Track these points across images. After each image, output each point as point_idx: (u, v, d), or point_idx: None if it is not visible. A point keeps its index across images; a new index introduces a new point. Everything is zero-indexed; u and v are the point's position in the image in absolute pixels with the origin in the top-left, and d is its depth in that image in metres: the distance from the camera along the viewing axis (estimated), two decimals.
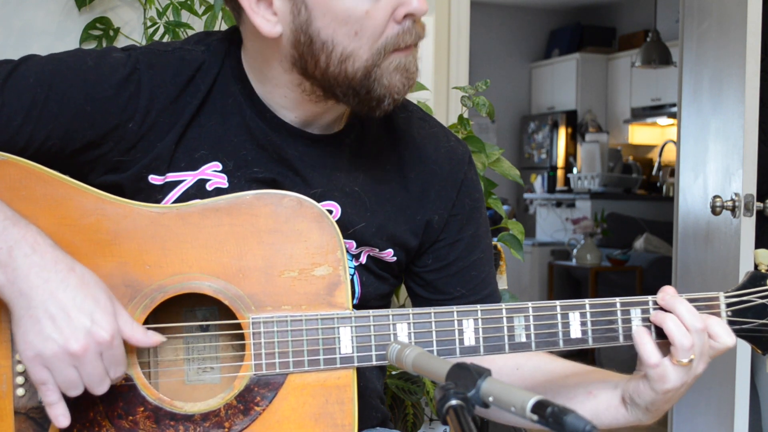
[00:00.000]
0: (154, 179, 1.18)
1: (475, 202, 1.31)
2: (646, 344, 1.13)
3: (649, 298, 1.17)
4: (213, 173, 1.19)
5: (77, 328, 1.00)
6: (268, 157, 1.20)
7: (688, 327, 1.12)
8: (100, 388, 1.04)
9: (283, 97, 1.19)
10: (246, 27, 1.18)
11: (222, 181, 1.19)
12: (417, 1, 1.09)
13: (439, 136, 1.31)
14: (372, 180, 1.25)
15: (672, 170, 6.60)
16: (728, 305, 1.19)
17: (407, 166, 1.27)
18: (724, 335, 1.13)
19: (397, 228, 1.26)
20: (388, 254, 1.27)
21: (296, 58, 1.13)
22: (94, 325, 1.01)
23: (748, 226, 2.60)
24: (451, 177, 1.29)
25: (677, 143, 3.24)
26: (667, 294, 1.15)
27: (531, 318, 1.15)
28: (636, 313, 1.17)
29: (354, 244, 1.24)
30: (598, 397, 1.22)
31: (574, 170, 8.29)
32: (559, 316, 1.16)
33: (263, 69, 1.19)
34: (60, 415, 1.04)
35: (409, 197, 1.27)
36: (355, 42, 1.10)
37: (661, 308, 1.15)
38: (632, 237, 6.55)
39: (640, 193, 7.71)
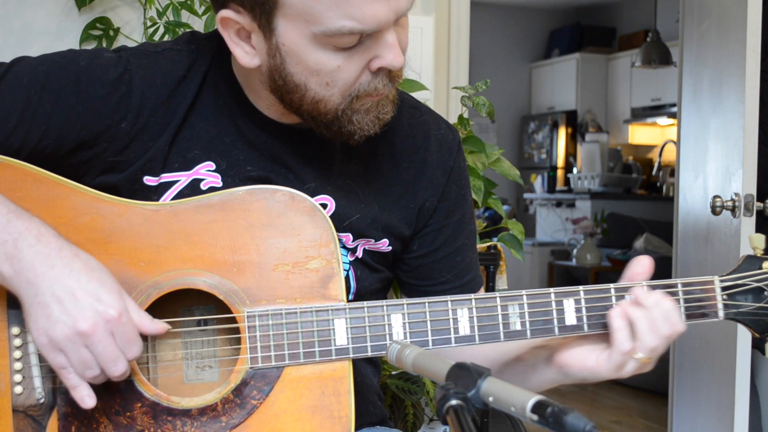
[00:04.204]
0: (149, 180, 1.19)
1: (462, 188, 1.32)
2: (622, 330, 1.12)
3: (644, 282, 1.16)
4: (207, 173, 1.20)
5: (84, 308, 1.02)
6: (260, 155, 1.21)
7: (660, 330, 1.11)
8: (116, 368, 1.04)
9: (267, 107, 1.21)
10: None
11: (216, 180, 1.20)
12: (392, 56, 1.09)
13: (429, 124, 1.32)
14: (365, 171, 1.26)
15: (672, 170, 6.59)
16: (723, 289, 1.18)
17: (399, 155, 1.28)
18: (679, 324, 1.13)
19: (391, 218, 1.26)
20: (384, 244, 1.27)
21: (274, 88, 1.14)
22: (101, 303, 1.02)
23: (748, 226, 2.60)
24: (441, 165, 1.29)
25: (677, 143, 3.24)
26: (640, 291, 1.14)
27: (525, 306, 1.15)
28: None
29: (350, 237, 1.24)
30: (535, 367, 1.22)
31: (574, 170, 8.29)
32: (553, 303, 1.15)
33: (249, 80, 1.20)
34: (85, 396, 1.05)
35: (402, 187, 1.27)
36: (327, 90, 1.11)
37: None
38: (632, 237, 6.54)
39: (640, 193, 7.71)
